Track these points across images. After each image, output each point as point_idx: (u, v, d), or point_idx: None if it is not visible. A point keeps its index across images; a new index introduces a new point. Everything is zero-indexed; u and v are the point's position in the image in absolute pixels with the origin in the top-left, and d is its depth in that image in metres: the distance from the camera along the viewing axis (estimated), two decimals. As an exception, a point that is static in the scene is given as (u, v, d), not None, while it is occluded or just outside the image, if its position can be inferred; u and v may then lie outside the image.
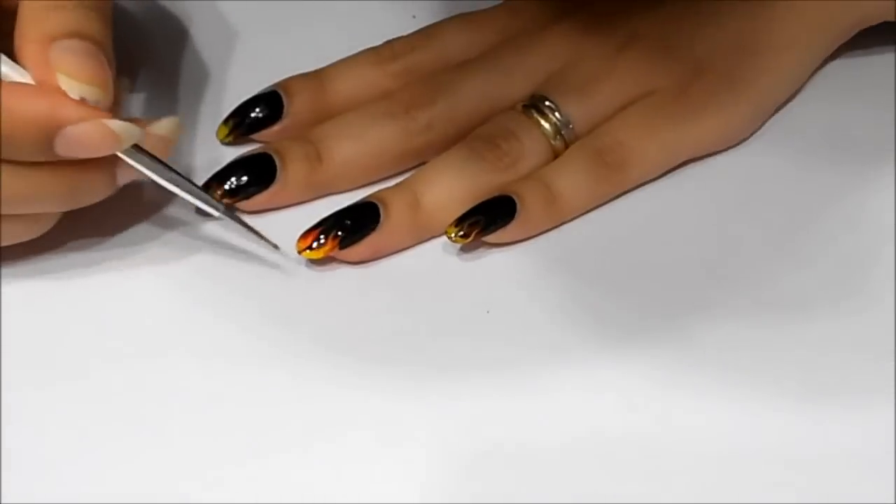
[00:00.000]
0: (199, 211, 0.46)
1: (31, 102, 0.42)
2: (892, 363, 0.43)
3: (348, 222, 0.46)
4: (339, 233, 0.45)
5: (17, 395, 0.42)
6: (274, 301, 0.45)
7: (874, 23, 0.50)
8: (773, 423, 0.42)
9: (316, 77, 0.49)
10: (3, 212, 0.43)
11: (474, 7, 0.51)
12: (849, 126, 0.50)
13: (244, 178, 0.47)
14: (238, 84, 0.50)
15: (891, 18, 0.50)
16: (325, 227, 0.46)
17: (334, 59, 0.50)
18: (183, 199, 0.45)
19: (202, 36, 0.52)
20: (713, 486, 0.40)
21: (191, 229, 0.47)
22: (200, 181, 0.47)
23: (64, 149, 0.42)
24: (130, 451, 0.41)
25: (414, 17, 0.51)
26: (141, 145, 0.44)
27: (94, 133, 0.42)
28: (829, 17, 0.49)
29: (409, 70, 0.49)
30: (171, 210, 0.47)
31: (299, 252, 0.45)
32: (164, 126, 0.45)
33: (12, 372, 0.43)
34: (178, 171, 0.45)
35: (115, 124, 0.43)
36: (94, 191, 0.44)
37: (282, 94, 0.49)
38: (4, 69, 0.42)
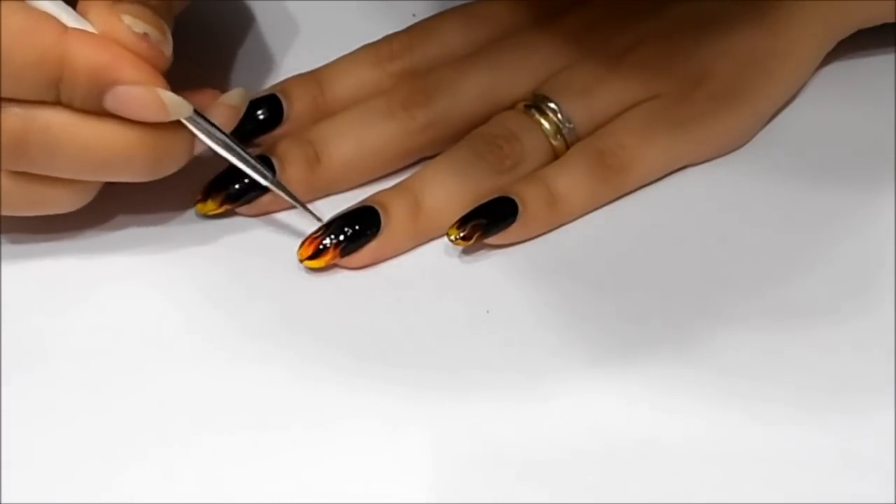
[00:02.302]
0: (249, 182, 0.46)
1: (95, 52, 0.42)
2: (893, 366, 0.43)
3: (349, 229, 0.45)
4: (341, 240, 0.45)
5: (16, 394, 0.42)
6: (274, 301, 0.45)
7: (875, 24, 0.50)
8: (774, 425, 0.42)
9: (315, 79, 0.49)
10: (71, 172, 0.43)
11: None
12: (849, 127, 0.49)
13: (245, 182, 0.46)
14: (237, 84, 0.50)
15: (891, 20, 0.50)
16: (326, 234, 0.45)
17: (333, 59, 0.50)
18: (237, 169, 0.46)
19: (202, 35, 0.51)
20: (714, 489, 0.40)
21: (192, 229, 0.47)
22: (200, 183, 0.47)
23: (112, 104, 0.42)
24: (131, 452, 0.41)
25: (414, 15, 0.51)
26: (199, 117, 0.44)
27: (145, 98, 0.42)
28: (830, 22, 0.49)
29: (408, 71, 0.49)
30: (172, 210, 0.47)
31: (301, 261, 0.45)
32: (233, 97, 0.46)
33: (12, 372, 0.43)
34: (234, 140, 0.45)
35: (167, 95, 0.43)
36: (172, 157, 0.44)
37: (282, 98, 0.48)
38: (71, 22, 0.42)
